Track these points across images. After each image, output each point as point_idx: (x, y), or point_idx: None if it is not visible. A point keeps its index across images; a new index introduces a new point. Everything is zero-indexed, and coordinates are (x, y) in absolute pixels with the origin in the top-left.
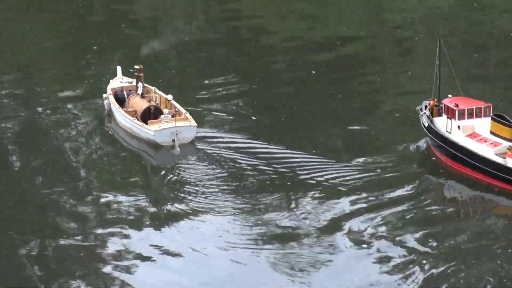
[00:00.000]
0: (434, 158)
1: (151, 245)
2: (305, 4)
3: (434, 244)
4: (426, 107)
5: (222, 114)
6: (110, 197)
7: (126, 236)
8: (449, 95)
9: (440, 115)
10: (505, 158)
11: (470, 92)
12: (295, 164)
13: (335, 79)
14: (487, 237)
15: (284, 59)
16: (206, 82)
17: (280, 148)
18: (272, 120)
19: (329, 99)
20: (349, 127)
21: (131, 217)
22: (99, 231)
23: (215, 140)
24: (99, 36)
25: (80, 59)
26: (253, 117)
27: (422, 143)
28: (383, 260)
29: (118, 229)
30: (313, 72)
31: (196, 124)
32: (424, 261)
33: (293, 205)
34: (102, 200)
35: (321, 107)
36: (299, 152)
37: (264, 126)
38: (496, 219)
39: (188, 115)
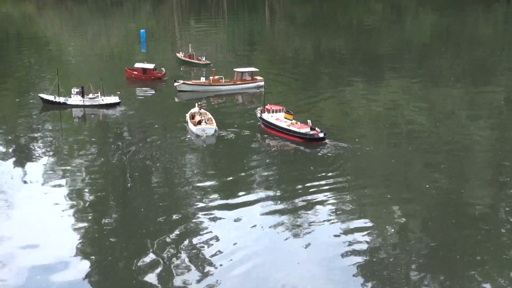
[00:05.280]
0: (262, 128)
1: None
2: None
3: None
4: (258, 110)
5: None
6: None
7: None
8: (268, 104)
9: (264, 112)
10: (289, 126)
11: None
12: None
13: None
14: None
15: None
16: None
17: None
18: None
19: None
20: None
21: None
22: None
23: None
24: None
25: None
26: None
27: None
28: None
29: None
30: None
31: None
32: None
33: None
34: None
35: None
36: None
37: None
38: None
39: None
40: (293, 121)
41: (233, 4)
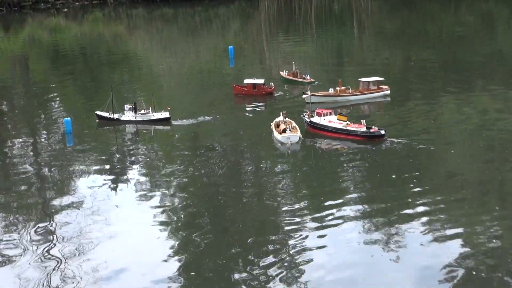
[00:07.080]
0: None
1: None
2: None
3: None
4: (306, 115)
5: None
6: None
7: None
8: (317, 108)
9: (312, 116)
10: (346, 126)
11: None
12: None
13: None
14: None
15: None
16: None
17: None
18: None
19: None
20: None
21: None
22: None
23: None
24: None
25: None
26: None
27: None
28: None
29: None
30: None
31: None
32: None
33: None
34: None
35: None
36: None
37: None
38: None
39: None
40: (348, 122)
41: (320, 18)
